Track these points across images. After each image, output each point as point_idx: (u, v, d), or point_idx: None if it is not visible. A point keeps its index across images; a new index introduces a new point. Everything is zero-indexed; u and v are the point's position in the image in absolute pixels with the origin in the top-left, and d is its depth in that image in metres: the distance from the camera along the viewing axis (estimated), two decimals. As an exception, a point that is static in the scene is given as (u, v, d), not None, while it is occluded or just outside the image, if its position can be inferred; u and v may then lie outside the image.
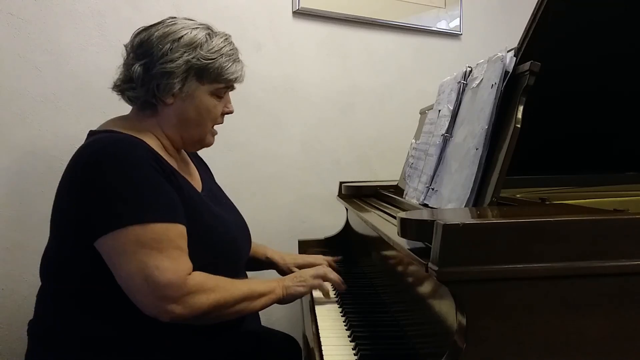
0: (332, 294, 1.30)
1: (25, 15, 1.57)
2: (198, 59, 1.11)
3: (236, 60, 1.18)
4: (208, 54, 1.12)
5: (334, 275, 1.27)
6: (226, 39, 1.18)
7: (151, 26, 1.15)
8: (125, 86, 1.15)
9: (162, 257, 0.98)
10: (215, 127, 1.23)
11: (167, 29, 1.12)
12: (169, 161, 1.13)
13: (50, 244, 1.13)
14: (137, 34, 1.15)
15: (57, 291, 1.11)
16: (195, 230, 1.07)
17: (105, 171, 1.01)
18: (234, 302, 1.07)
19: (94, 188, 1.01)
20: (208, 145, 1.24)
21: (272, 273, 1.48)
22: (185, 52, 1.11)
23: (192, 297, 1.00)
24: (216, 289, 1.05)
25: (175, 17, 1.16)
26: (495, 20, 2.40)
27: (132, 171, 1.02)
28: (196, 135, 1.19)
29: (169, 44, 1.10)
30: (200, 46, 1.12)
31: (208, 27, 1.17)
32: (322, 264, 1.46)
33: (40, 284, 1.15)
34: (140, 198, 1.01)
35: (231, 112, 1.24)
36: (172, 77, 1.10)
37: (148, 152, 1.06)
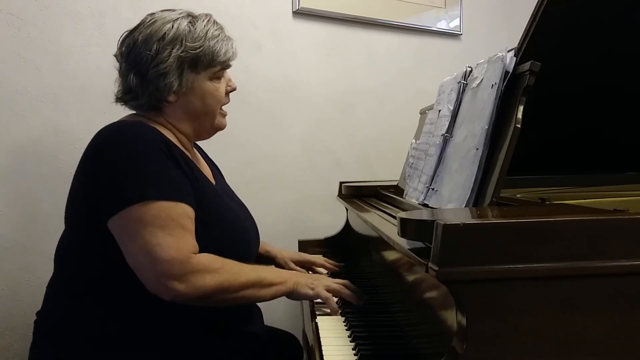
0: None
1: (25, 15, 1.57)
2: (187, 51, 1.12)
3: (224, 39, 1.17)
4: (195, 43, 1.12)
5: (347, 292, 1.17)
6: (208, 20, 1.17)
7: (133, 30, 1.15)
8: (127, 97, 1.16)
9: (164, 235, 0.99)
10: (223, 112, 1.23)
11: (148, 30, 1.12)
12: (183, 151, 1.14)
13: (64, 233, 1.16)
14: (122, 41, 1.16)
15: (66, 284, 1.12)
16: (208, 220, 1.08)
17: (111, 154, 1.04)
18: (240, 287, 1.06)
19: (101, 171, 1.04)
20: (221, 127, 1.24)
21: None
22: (172, 48, 1.11)
23: (196, 276, 1.00)
24: (222, 271, 1.03)
25: (153, 14, 1.16)
26: (495, 20, 2.40)
27: (136, 153, 1.03)
28: (207, 122, 1.20)
29: (155, 45, 1.10)
30: (185, 38, 1.12)
31: (188, 14, 1.16)
32: (320, 263, 1.48)
33: (48, 278, 1.16)
34: (143, 177, 1.02)
35: (234, 89, 1.24)
36: (168, 77, 1.11)
37: (157, 136, 1.07)
